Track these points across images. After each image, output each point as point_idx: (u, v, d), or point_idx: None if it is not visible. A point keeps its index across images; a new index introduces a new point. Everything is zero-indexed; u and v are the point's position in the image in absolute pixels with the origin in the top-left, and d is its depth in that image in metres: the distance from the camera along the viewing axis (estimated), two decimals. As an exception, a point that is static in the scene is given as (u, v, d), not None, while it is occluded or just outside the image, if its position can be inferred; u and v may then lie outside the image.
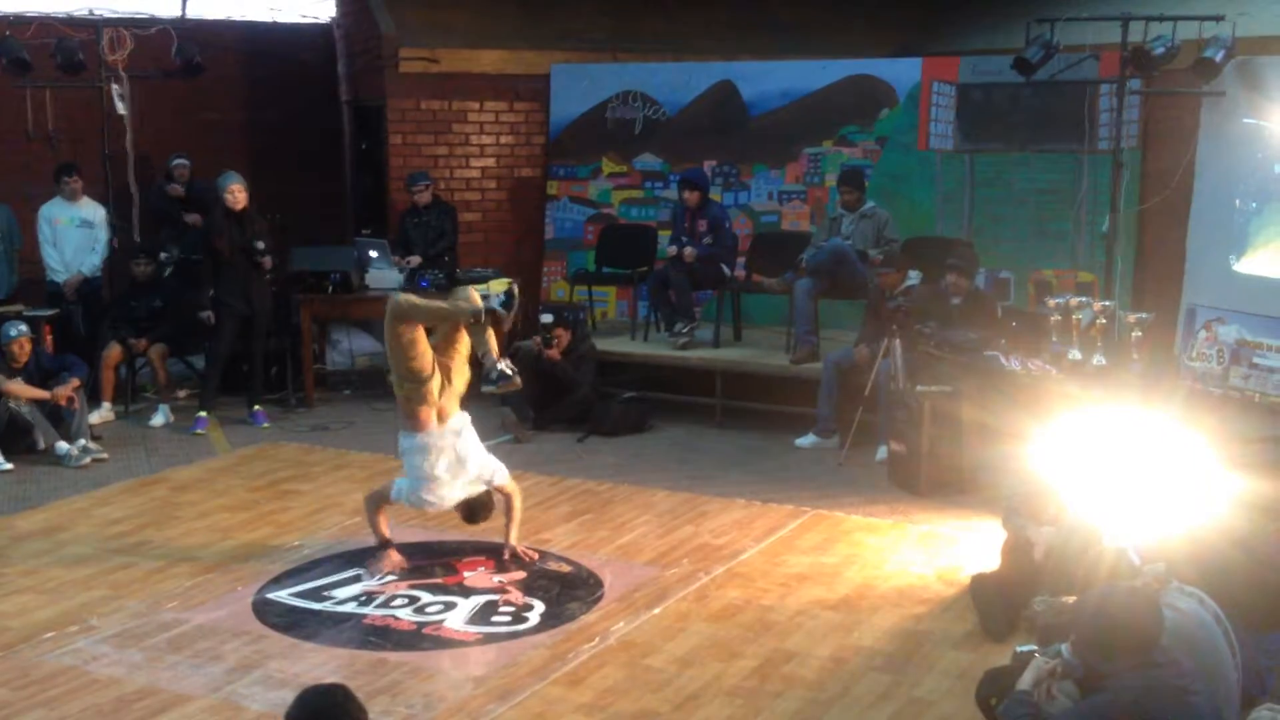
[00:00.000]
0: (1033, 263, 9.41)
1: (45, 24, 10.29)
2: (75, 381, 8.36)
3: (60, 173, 9.86)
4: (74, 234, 9.83)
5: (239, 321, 9.21)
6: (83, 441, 8.20)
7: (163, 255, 10.08)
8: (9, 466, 7.96)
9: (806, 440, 8.51)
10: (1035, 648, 4.28)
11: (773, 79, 10.60)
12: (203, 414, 9.05)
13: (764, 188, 10.55)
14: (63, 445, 8.13)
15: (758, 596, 5.89)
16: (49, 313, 9.45)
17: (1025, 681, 4.08)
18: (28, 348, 8.33)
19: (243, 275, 9.15)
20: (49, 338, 9.06)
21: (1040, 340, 7.67)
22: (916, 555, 6.46)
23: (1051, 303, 7.46)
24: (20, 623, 5.56)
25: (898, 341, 7.85)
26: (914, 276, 8.32)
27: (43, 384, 8.31)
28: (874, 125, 10.19)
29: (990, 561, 5.90)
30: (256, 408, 9.28)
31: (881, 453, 8.00)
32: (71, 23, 10.52)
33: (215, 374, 9.30)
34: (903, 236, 9.12)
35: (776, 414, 8.87)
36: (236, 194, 9.06)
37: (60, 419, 8.24)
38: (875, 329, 8.23)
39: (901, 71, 10.15)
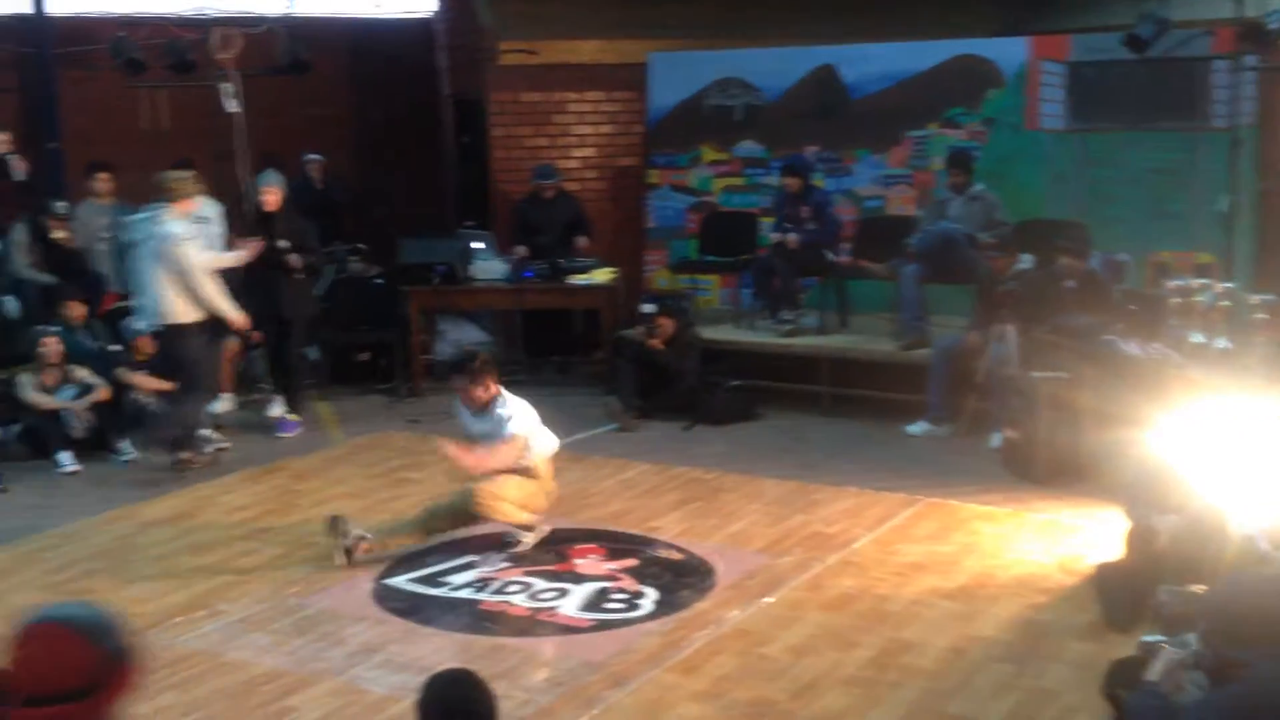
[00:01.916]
0: (1149, 244, 9.18)
1: (157, 25, 10.53)
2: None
3: (175, 170, 10.07)
4: (190, 230, 10.02)
5: (274, 325, 8.92)
6: (206, 431, 8.39)
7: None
8: (136, 456, 8.18)
9: (918, 428, 8.41)
10: (1162, 638, 4.19)
11: (874, 61, 10.46)
12: (292, 417, 8.89)
13: (867, 172, 10.44)
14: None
15: (873, 585, 5.84)
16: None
17: (1154, 673, 3.99)
18: (152, 341, 8.54)
19: (271, 278, 8.77)
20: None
21: (1159, 324, 7.48)
22: (1036, 544, 6.36)
23: (1171, 285, 7.29)
24: (151, 608, 5.72)
25: (1010, 327, 7.73)
26: (1025, 260, 8.19)
27: (164, 375, 8.52)
28: (980, 106, 10.01)
29: (1113, 550, 5.78)
30: (289, 416, 8.95)
31: (995, 440, 7.88)
32: (182, 23, 10.75)
33: (288, 377, 9.07)
34: (1012, 219, 8.97)
35: (885, 401, 8.78)
36: (268, 196, 8.86)
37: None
38: (986, 314, 8.10)
39: (1008, 51, 9.96)
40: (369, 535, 6.30)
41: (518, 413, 6.38)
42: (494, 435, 6.34)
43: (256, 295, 8.68)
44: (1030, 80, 9.79)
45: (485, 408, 6.41)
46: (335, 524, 6.30)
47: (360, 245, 10.55)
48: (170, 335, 8.03)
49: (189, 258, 7.94)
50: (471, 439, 6.47)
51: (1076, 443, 7.31)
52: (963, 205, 8.94)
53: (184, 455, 7.92)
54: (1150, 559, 5.43)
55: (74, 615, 2.38)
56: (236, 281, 8.57)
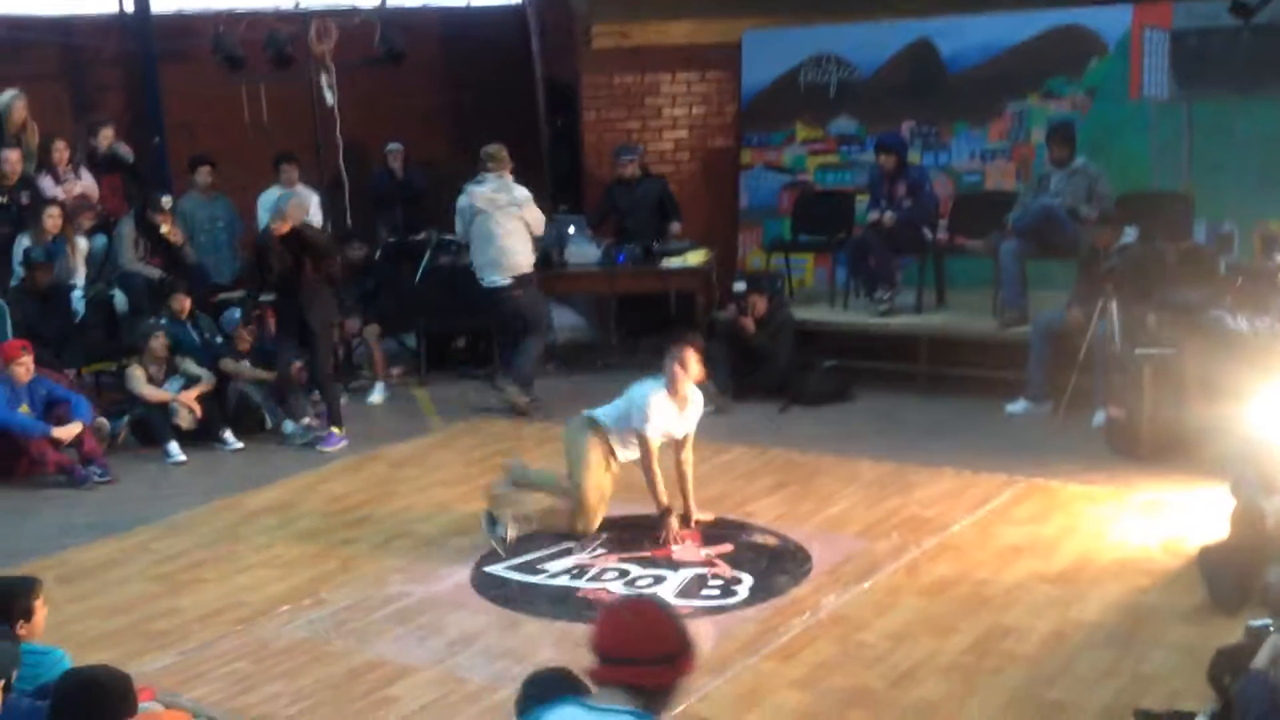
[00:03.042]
0: (1258, 214, 8.87)
1: (256, 19, 10.73)
2: (298, 364, 8.75)
3: (278, 161, 10.29)
4: (291, 221, 10.22)
5: (296, 335, 8.51)
6: (306, 420, 8.57)
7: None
8: (240, 445, 8.38)
9: (1017, 406, 8.28)
10: (1270, 622, 4.08)
11: (972, 34, 10.27)
12: (334, 430, 8.39)
13: (965, 147, 10.26)
14: (289, 424, 8.52)
15: (972, 570, 5.77)
16: (270, 297, 9.87)
17: (1261, 659, 3.90)
18: (255, 332, 8.74)
19: (293, 289, 8.38)
20: (271, 321, 9.45)
21: (1269, 297, 7.26)
22: (1139, 524, 6.23)
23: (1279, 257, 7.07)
24: (257, 597, 5.86)
25: (1114, 303, 7.55)
26: (1129, 234, 7.99)
27: (267, 366, 8.72)
28: (1082, 76, 9.79)
29: (1219, 530, 5.63)
30: (332, 430, 8.40)
31: (1098, 418, 7.72)
32: (280, 17, 10.96)
33: (325, 392, 8.61)
34: (1116, 192, 8.74)
35: (984, 380, 8.65)
36: (293, 210, 8.36)
37: (285, 399, 8.63)
38: (1089, 290, 7.92)
39: (1110, 19, 9.70)
40: (519, 522, 6.31)
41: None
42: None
43: (285, 303, 8.54)
44: (1133, 49, 9.54)
45: (685, 401, 6.34)
46: (492, 519, 6.31)
47: (448, 238, 10.59)
48: (521, 284, 9.01)
49: (537, 214, 9.08)
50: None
51: (1181, 420, 7.13)
52: (1064, 179, 8.74)
53: (532, 397, 8.86)
54: (1258, 539, 5.29)
55: (658, 599, 3.02)
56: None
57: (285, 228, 8.13)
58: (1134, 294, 7.63)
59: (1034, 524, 6.30)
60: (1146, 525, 6.21)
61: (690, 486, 6.50)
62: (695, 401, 6.39)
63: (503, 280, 8.98)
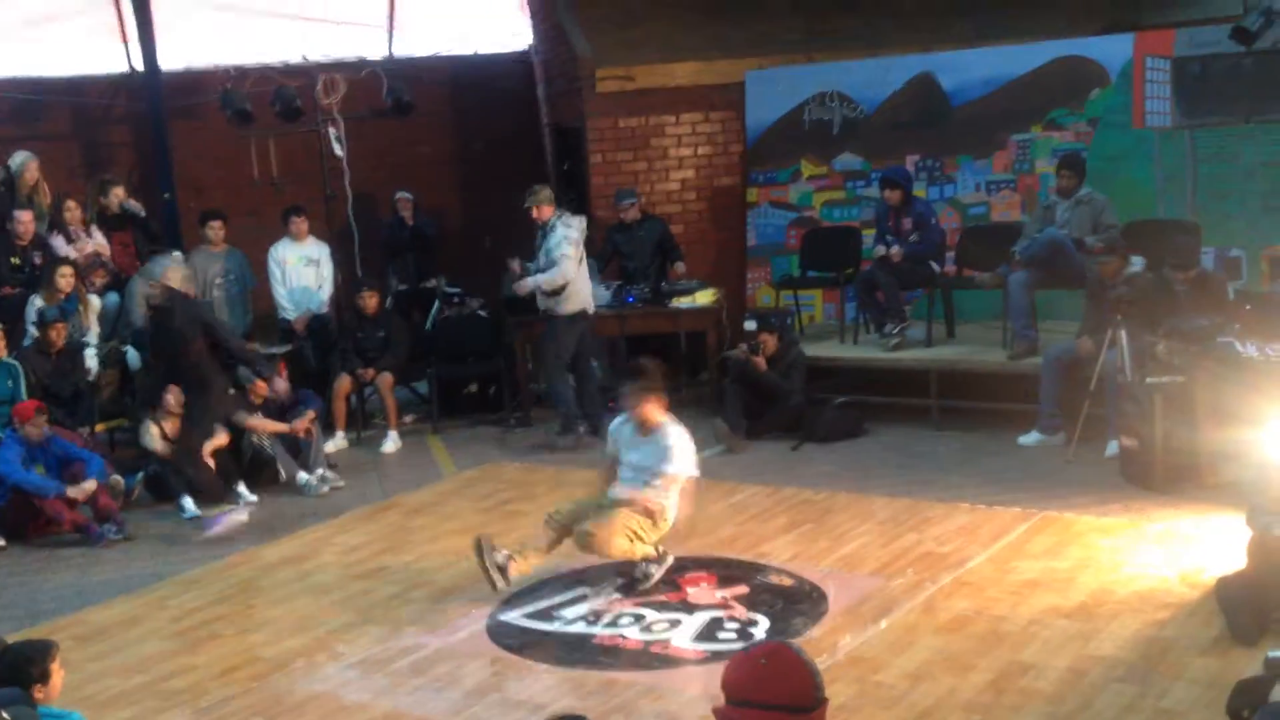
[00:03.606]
0: (1264, 239, 8.90)
1: (264, 75, 10.84)
2: (311, 414, 8.80)
3: (287, 215, 10.38)
4: (302, 272, 10.32)
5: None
6: (321, 471, 8.60)
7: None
8: (254, 499, 8.40)
9: (1030, 438, 8.26)
10: (1290, 654, 4.05)
11: (974, 67, 10.34)
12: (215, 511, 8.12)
13: (970, 179, 10.30)
14: (303, 475, 8.55)
15: (988, 606, 5.74)
16: (283, 349, 9.96)
17: (1281, 693, 3.87)
18: (268, 385, 8.78)
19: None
20: (283, 372, 9.50)
21: (1277, 322, 7.25)
22: (1156, 556, 6.19)
23: (1288, 282, 7.06)
24: (272, 651, 5.86)
25: (1123, 332, 7.54)
26: (1136, 263, 7.99)
27: (281, 418, 8.76)
28: (1085, 106, 9.84)
29: (1236, 560, 5.60)
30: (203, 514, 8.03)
31: (1112, 448, 7.71)
32: (287, 71, 11.08)
33: (195, 469, 8.30)
34: (1121, 220, 8.76)
35: (996, 412, 8.64)
36: (168, 274, 8.33)
37: (299, 450, 8.66)
38: (1097, 319, 7.93)
39: (1112, 48, 9.76)
40: (515, 553, 6.26)
41: (683, 448, 6.28)
42: (650, 465, 6.26)
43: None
44: (1135, 77, 9.58)
45: (650, 430, 6.32)
46: (481, 546, 6.23)
47: (452, 291, 10.64)
48: (591, 322, 9.37)
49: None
50: (619, 462, 6.41)
51: (1195, 448, 7.12)
52: (1070, 209, 8.76)
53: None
54: (1275, 569, 5.26)
55: (797, 646, 2.79)
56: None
57: (155, 290, 8.06)
58: (1143, 323, 7.63)
59: (1050, 558, 6.27)
60: (1163, 556, 6.18)
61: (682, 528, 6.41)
62: (662, 440, 6.28)
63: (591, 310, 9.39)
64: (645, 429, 6.33)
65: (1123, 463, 7.48)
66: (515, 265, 9.63)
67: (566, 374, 9.34)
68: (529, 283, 9.26)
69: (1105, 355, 7.71)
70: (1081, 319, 8.31)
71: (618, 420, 6.54)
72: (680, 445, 6.28)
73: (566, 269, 9.06)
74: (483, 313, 10.56)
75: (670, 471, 6.21)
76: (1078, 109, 9.88)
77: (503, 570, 6.22)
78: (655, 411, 6.32)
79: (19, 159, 9.64)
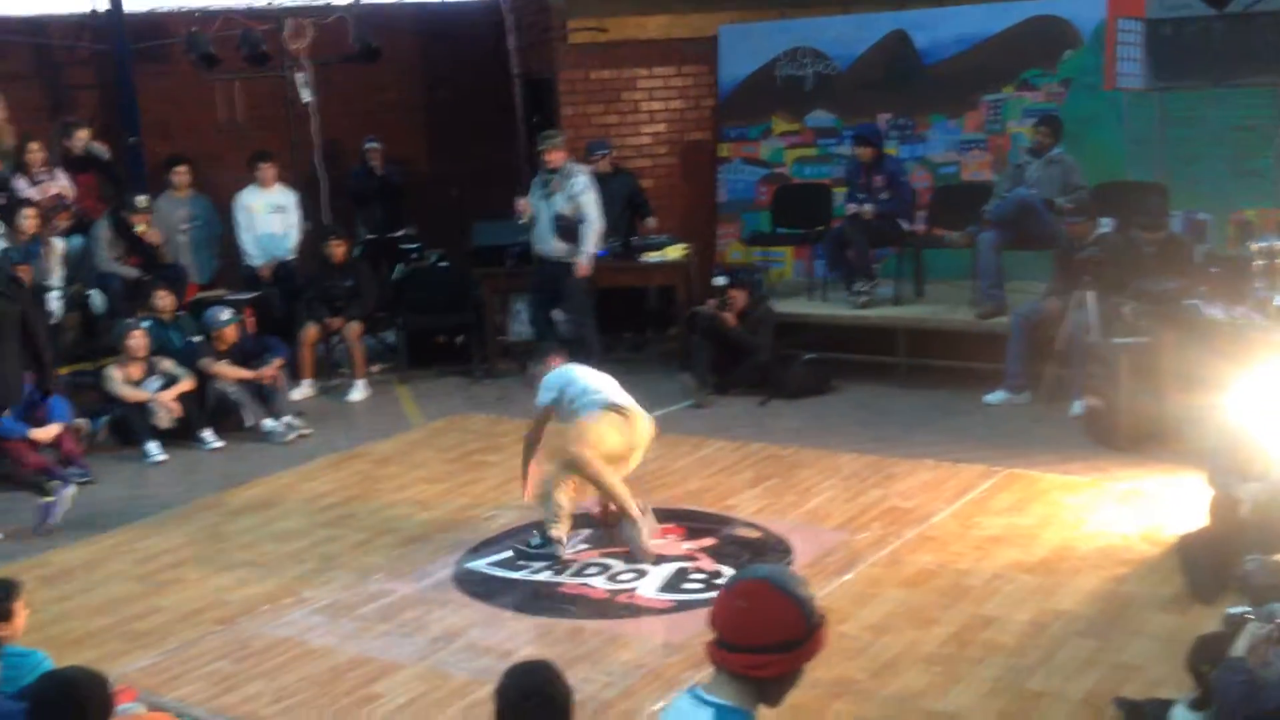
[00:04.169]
0: (1232, 203, 8.96)
1: (230, 18, 10.68)
2: (278, 361, 8.76)
3: (253, 161, 10.26)
4: (268, 219, 10.21)
5: None
6: (287, 418, 8.56)
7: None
8: (220, 445, 8.36)
9: (996, 397, 8.32)
10: (1248, 610, 4.11)
11: (947, 25, 10.32)
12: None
13: (942, 138, 10.30)
14: (269, 422, 8.50)
15: (952, 561, 5.80)
16: (249, 296, 9.87)
17: (1239, 647, 3.93)
18: (236, 331, 8.72)
19: None
20: (250, 320, 9.44)
21: (1243, 286, 7.30)
22: (1118, 514, 6.27)
23: (1255, 246, 7.11)
24: (238, 596, 5.85)
25: (1090, 293, 7.59)
26: (1105, 224, 8.04)
27: (246, 365, 8.70)
28: (1057, 67, 9.84)
29: (1197, 520, 5.68)
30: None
31: (1076, 408, 7.78)
32: (254, 15, 10.89)
33: None
34: (1090, 182, 8.80)
35: (963, 371, 8.71)
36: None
37: (265, 398, 8.61)
38: (1066, 280, 7.98)
39: (1085, 9, 9.73)
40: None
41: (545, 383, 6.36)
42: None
43: None
44: (1108, 39, 9.57)
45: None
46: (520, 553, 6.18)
47: (410, 247, 10.63)
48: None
49: None
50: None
51: (1159, 409, 7.19)
52: (1041, 169, 8.79)
53: None
54: (1234, 528, 5.33)
55: (780, 578, 2.66)
56: None
57: None
58: (1111, 284, 7.68)
59: (1013, 514, 6.34)
60: (1125, 515, 6.25)
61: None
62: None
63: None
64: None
65: (1087, 422, 7.55)
66: (522, 204, 9.47)
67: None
68: (589, 250, 9.28)
69: (1072, 315, 7.77)
70: (1049, 280, 8.35)
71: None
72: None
73: (600, 216, 9.26)
74: (443, 264, 10.52)
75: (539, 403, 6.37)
76: (1050, 70, 9.88)
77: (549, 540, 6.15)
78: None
79: (-17, 99, 9.47)
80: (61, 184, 9.54)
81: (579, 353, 9.41)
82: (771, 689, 2.63)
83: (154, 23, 11.20)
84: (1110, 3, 9.62)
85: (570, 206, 9.24)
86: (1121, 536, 5.98)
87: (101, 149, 9.96)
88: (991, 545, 5.95)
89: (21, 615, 4.34)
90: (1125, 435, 7.20)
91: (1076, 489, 6.65)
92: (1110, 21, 9.56)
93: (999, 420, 8.03)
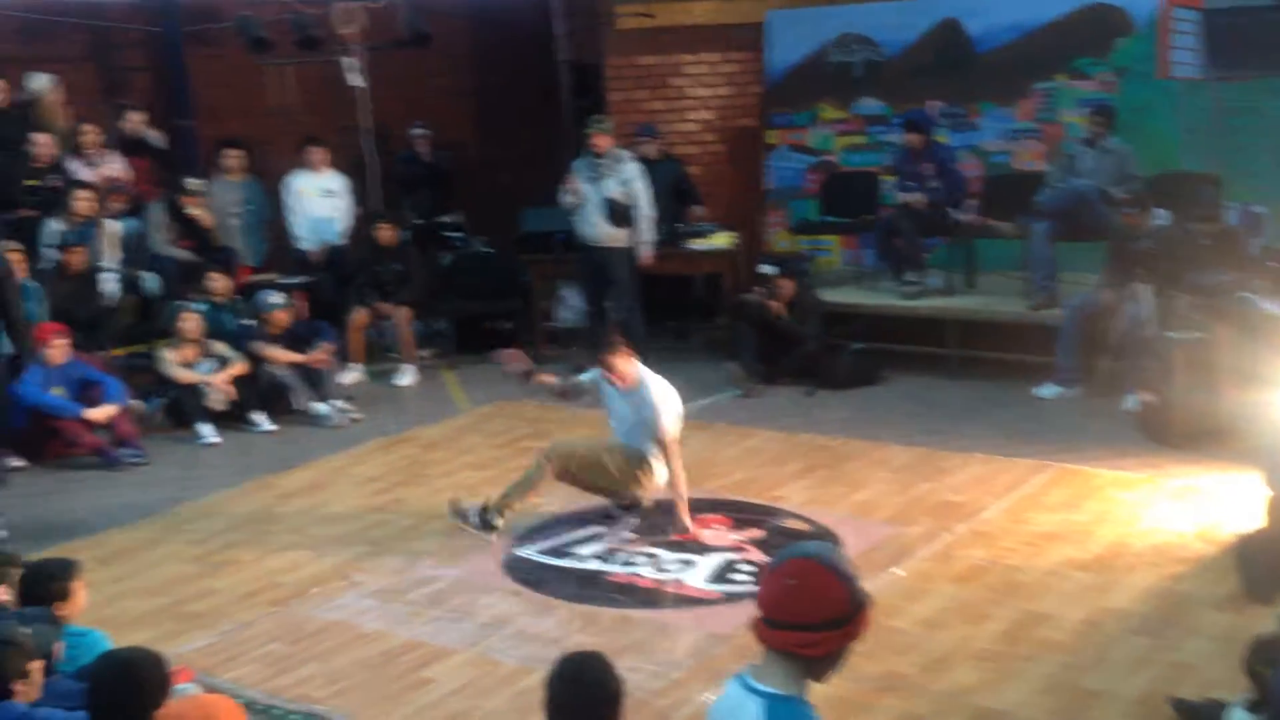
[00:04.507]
0: (1289, 196, 8.84)
1: (282, 2, 10.72)
2: (328, 345, 8.81)
3: (304, 145, 10.32)
4: (318, 203, 10.26)
5: None
6: (337, 402, 8.62)
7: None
8: (271, 428, 8.43)
9: (1047, 390, 8.25)
10: (1307, 612, 4.07)
11: (1000, 12, 10.20)
12: None
13: (994, 127, 10.21)
14: (319, 406, 8.57)
15: (1004, 556, 5.76)
16: (300, 280, 9.94)
17: (1298, 649, 3.89)
18: (288, 315, 8.78)
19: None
20: (301, 304, 9.50)
21: (1301, 280, 7.22)
22: (1173, 511, 6.20)
23: (1314, 240, 7.01)
24: (291, 578, 5.91)
25: (1144, 285, 7.51)
26: (1161, 216, 7.94)
27: (297, 348, 8.76)
28: (1110, 56, 9.72)
29: (1254, 519, 5.60)
30: None
31: (1130, 402, 7.69)
32: (306, 0, 10.93)
33: None
34: (1145, 172, 8.69)
35: (1014, 363, 8.63)
36: None
37: (316, 381, 8.67)
38: (1119, 272, 7.89)
39: (1139, -2, 9.64)
40: (488, 506, 6.28)
41: (664, 398, 6.19)
42: (638, 417, 6.23)
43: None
44: (1162, 28, 9.45)
45: (630, 387, 6.26)
46: (453, 508, 6.36)
47: (455, 233, 10.63)
48: None
49: None
50: (615, 416, 6.43)
51: (1214, 405, 7.08)
52: (1095, 159, 8.69)
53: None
54: (1294, 529, 5.27)
55: (828, 556, 2.66)
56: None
57: None
58: (1165, 277, 7.60)
59: (1067, 510, 6.28)
60: (1180, 512, 6.19)
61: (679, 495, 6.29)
62: (643, 394, 6.22)
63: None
64: (626, 386, 6.28)
65: (1141, 418, 7.47)
66: (573, 182, 9.42)
67: None
68: (648, 239, 9.31)
69: (1126, 308, 7.68)
70: (1103, 272, 8.26)
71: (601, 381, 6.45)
72: (664, 406, 6.19)
73: (651, 203, 9.29)
74: (487, 251, 10.55)
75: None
76: (1103, 58, 9.77)
77: (488, 525, 6.24)
78: (626, 367, 6.26)
79: (41, 81, 9.55)
80: (116, 166, 9.64)
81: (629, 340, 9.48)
82: (819, 667, 2.64)
83: (207, 6, 11.27)
84: (1167, -9, 9.51)
85: (622, 192, 9.22)
86: (1177, 534, 5.92)
87: (156, 137, 10.04)
88: (1044, 541, 5.90)
89: (80, 595, 4.40)
90: (1180, 431, 7.12)
91: (1130, 485, 6.59)
92: (1165, 9, 9.43)
93: (1051, 414, 7.96)
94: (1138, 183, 8.47)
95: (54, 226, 8.79)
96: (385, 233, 9.86)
